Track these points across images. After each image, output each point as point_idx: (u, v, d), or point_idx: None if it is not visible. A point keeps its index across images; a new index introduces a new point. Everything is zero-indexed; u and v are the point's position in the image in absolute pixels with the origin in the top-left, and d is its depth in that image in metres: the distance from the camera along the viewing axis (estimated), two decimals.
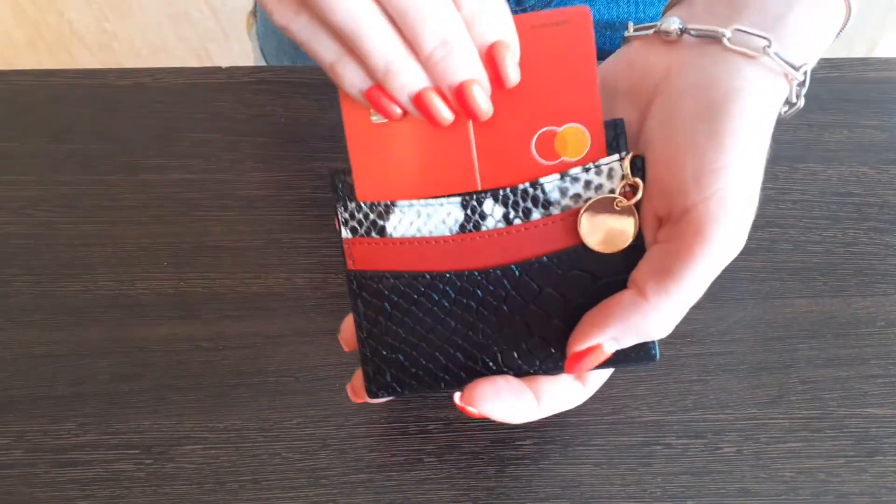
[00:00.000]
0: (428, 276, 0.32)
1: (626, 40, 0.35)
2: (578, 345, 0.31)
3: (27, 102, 0.54)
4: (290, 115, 0.54)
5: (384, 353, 0.33)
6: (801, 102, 0.33)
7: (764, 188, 0.49)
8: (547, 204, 0.31)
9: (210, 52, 1.37)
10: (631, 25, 0.34)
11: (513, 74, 0.30)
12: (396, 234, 0.33)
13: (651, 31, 0.33)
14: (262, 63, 0.74)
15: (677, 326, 0.42)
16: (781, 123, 0.52)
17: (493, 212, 0.32)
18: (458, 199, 0.32)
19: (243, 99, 0.54)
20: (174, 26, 1.34)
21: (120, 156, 0.52)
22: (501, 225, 0.32)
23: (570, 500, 0.40)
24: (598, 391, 0.41)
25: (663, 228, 0.31)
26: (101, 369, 0.44)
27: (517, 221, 0.32)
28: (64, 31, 1.34)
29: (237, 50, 1.36)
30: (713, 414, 0.42)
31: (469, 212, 0.32)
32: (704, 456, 0.41)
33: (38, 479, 0.41)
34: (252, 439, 0.42)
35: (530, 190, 0.31)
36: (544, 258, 0.32)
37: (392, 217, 0.32)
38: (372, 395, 0.33)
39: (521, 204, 0.32)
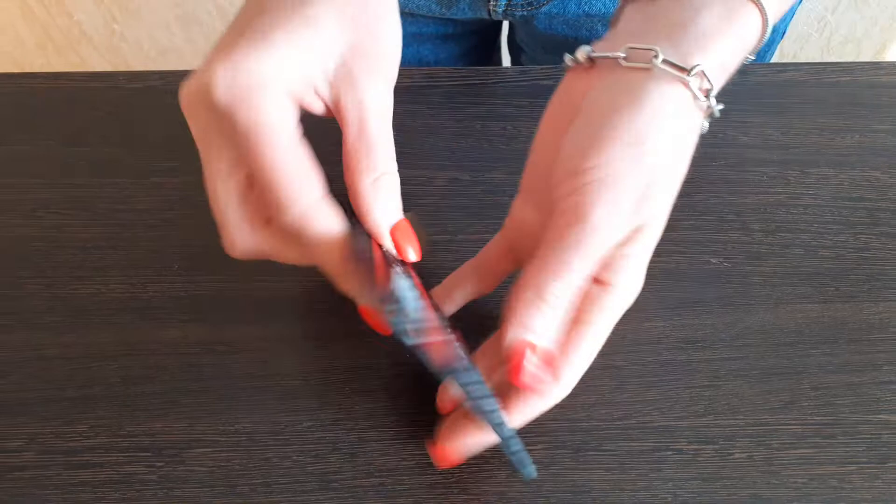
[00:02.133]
0: None
1: (565, 70, 0.39)
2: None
3: (38, 105, 0.55)
4: (300, 117, 0.54)
5: None
6: (713, 103, 0.35)
7: (775, 192, 0.49)
8: None
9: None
10: (567, 56, 0.38)
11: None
12: None
13: (571, 63, 0.38)
14: None
15: (689, 332, 0.42)
16: (791, 129, 0.52)
17: None
18: None
19: None
20: (182, 27, 1.34)
21: (131, 159, 0.52)
22: None
23: None
24: (607, 396, 0.41)
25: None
26: (112, 372, 0.44)
27: None
28: (73, 32, 1.34)
29: None
30: (724, 419, 0.42)
31: None
32: (716, 461, 0.41)
33: (50, 482, 0.41)
34: (263, 442, 0.42)
35: None
36: None
37: None
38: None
39: None
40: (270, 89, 0.32)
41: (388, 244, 0.36)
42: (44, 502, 0.41)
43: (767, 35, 0.36)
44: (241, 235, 0.35)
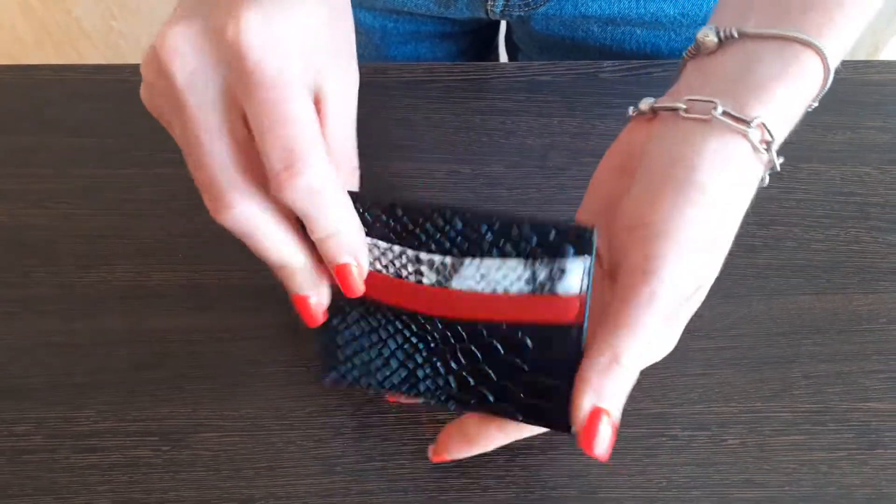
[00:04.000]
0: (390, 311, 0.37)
1: (627, 121, 0.38)
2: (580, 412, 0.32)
3: (44, 97, 0.55)
4: None
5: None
6: (773, 156, 0.34)
7: (768, 187, 0.50)
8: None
9: None
10: (630, 107, 0.38)
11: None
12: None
13: (634, 112, 0.38)
14: None
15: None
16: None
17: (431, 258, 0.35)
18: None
19: None
20: None
21: (135, 150, 0.53)
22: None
23: (577, 490, 0.41)
24: None
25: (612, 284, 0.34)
26: (119, 358, 0.45)
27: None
28: (71, 28, 1.35)
29: None
30: (718, 407, 0.43)
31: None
32: (709, 447, 0.42)
33: (58, 465, 0.42)
34: (267, 427, 0.43)
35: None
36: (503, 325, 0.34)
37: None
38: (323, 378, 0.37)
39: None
40: (297, 49, 0.31)
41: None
42: (52, 484, 0.42)
43: (830, 79, 0.35)
44: (236, 194, 0.31)
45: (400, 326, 0.36)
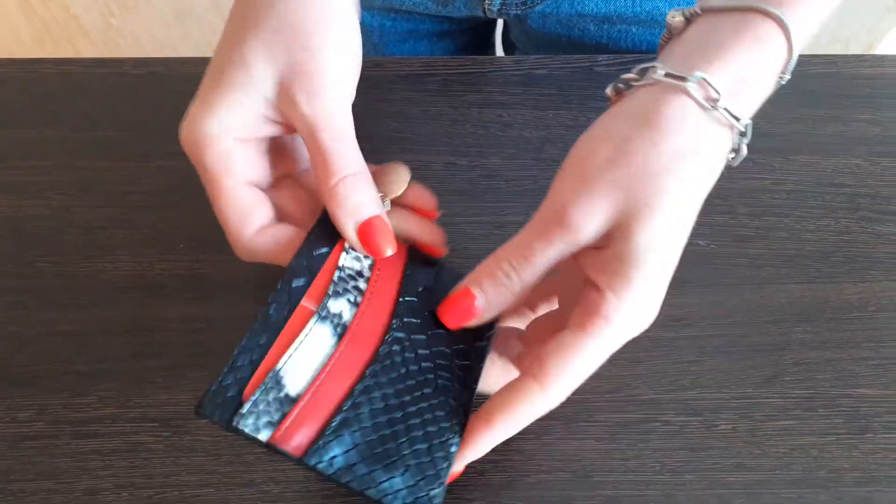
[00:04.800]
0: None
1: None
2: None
3: (46, 90, 0.56)
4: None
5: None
6: (731, 120, 0.34)
7: (760, 178, 0.51)
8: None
9: (214, 47, 1.39)
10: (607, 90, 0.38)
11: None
12: (300, 393, 0.35)
13: (609, 93, 0.38)
14: None
15: (677, 311, 0.44)
16: (776, 118, 0.54)
17: (336, 306, 0.37)
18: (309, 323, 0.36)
19: None
20: (179, 22, 1.36)
21: (136, 143, 0.54)
22: (352, 310, 0.37)
23: (572, 473, 0.42)
24: (600, 370, 0.42)
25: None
26: (120, 347, 0.46)
27: (359, 300, 0.37)
28: (70, 26, 1.35)
29: None
30: (710, 393, 0.44)
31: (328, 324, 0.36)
32: (702, 433, 0.43)
33: (60, 450, 0.43)
34: None
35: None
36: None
37: (285, 380, 0.35)
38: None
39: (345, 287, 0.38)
40: (214, 142, 0.37)
41: (354, 242, 0.38)
42: (54, 469, 0.42)
43: (796, 51, 0.35)
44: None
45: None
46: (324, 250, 0.38)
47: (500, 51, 0.86)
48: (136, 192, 0.52)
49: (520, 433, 0.43)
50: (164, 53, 1.40)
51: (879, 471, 0.42)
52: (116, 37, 1.37)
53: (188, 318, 0.47)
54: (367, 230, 0.37)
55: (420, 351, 0.37)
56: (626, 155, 0.33)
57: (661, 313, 0.45)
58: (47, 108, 0.55)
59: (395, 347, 0.37)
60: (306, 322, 0.36)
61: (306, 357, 0.35)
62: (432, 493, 0.34)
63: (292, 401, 0.34)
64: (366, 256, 0.39)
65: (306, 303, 0.37)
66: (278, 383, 0.34)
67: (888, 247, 0.49)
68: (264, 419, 0.33)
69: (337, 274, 0.38)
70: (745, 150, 0.36)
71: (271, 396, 0.34)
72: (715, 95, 0.33)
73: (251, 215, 0.38)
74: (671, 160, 0.33)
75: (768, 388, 0.44)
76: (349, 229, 0.37)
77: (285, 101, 0.37)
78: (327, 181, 0.37)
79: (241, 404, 0.33)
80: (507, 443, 0.42)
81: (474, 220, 0.50)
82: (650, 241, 0.32)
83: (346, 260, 0.38)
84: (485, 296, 0.36)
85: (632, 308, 0.33)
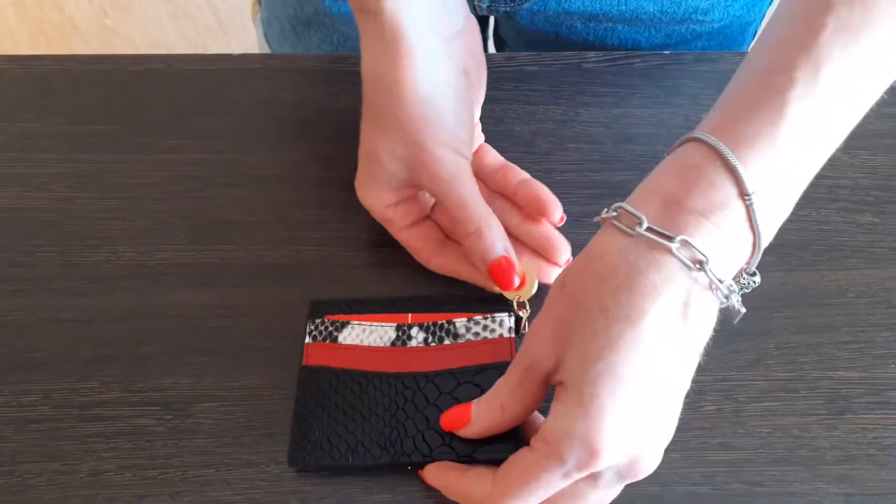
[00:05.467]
0: (358, 373, 0.44)
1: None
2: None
3: (46, 86, 0.57)
4: (298, 101, 0.57)
5: (312, 429, 0.43)
6: (715, 281, 0.35)
7: None
8: (455, 335, 0.46)
9: (208, 47, 1.40)
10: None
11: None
12: (345, 342, 0.46)
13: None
14: (266, 49, 0.77)
15: None
16: None
17: (417, 336, 0.46)
18: (395, 324, 0.46)
19: (253, 85, 0.58)
20: (173, 22, 1.37)
21: (136, 137, 0.55)
22: (421, 345, 0.45)
23: None
24: None
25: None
26: (123, 334, 0.47)
27: (433, 344, 0.45)
28: (65, 26, 1.36)
29: (235, 46, 1.38)
30: (696, 376, 0.45)
31: (400, 333, 0.46)
32: (687, 413, 0.44)
33: (64, 433, 0.44)
34: (267, 398, 0.45)
35: (446, 325, 0.46)
36: (447, 371, 0.44)
37: (345, 330, 0.46)
38: (291, 462, 0.42)
39: (438, 333, 0.46)
40: (376, 207, 0.47)
41: (484, 279, 0.46)
42: (59, 451, 0.43)
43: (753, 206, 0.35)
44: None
45: (365, 399, 0.44)
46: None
47: (491, 47, 0.88)
48: (137, 184, 0.53)
49: None
50: (159, 52, 1.42)
51: (858, 449, 0.43)
52: (111, 37, 1.38)
53: (189, 305, 0.48)
54: (498, 265, 0.44)
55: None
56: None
57: None
58: (48, 102, 0.56)
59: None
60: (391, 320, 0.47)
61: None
62: None
63: None
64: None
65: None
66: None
67: (867, 235, 0.51)
68: None
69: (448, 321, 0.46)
70: (731, 307, 0.37)
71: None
72: (701, 258, 0.34)
73: (420, 248, 0.48)
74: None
75: (752, 371, 0.46)
76: (482, 267, 0.45)
77: (417, 180, 0.45)
78: (466, 230, 0.45)
79: None
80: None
81: None
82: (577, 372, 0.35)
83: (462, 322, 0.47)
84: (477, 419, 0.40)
85: (567, 434, 0.34)
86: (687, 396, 0.44)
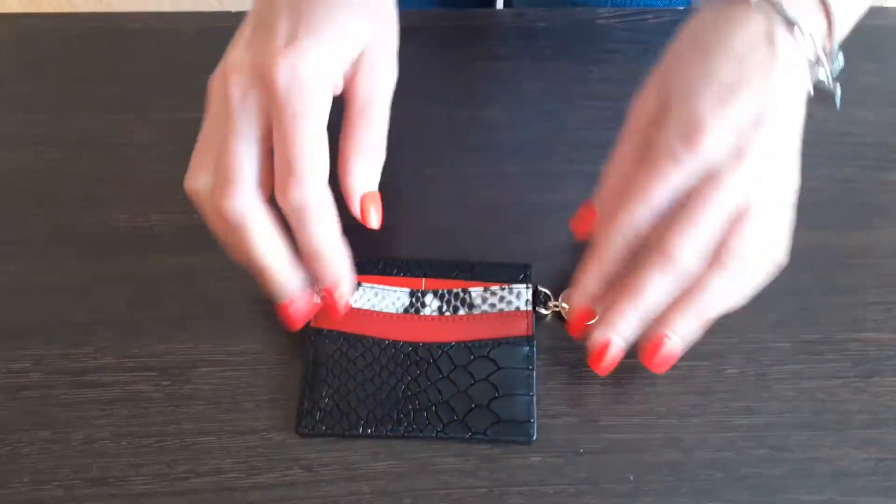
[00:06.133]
0: (371, 340, 0.42)
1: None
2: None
3: (41, 44, 0.55)
4: None
5: (322, 396, 0.41)
6: (806, 37, 0.36)
7: None
8: (471, 306, 0.43)
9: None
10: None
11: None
12: (355, 306, 0.43)
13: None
14: None
15: None
16: None
17: (432, 303, 0.44)
18: (408, 290, 0.44)
19: None
20: (173, 1, 1.34)
21: (132, 97, 0.53)
22: (436, 314, 0.43)
23: (577, 417, 0.41)
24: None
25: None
26: (118, 298, 0.45)
27: (447, 314, 0.43)
28: (62, 6, 1.34)
29: None
30: (718, 339, 0.43)
31: (413, 300, 0.44)
32: (709, 377, 0.43)
33: (58, 400, 0.42)
34: (268, 362, 0.43)
35: (461, 293, 0.44)
36: (462, 344, 0.42)
37: (356, 293, 0.44)
38: (301, 430, 0.41)
39: (453, 302, 0.43)
40: (320, 83, 0.37)
41: (356, 209, 0.40)
42: (52, 419, 0.42)
43: None
44: (243, 186, 0.37)
45: (377, 368, 0.42)
46: None
47: (500, 5, 0.86)
48: (132, 144, 0.51)
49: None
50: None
51: (888, 412, 0.41)
52: (108, 11, 1.36)
53: (188, 268, 0.46)
54: (369, 198, 0.40)
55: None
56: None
57: None
58: (42, 62, 0.54)
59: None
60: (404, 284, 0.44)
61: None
62: None
63: None
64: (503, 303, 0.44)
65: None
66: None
67: (894, 194, 0.48)
68: None
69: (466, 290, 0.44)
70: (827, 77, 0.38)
71: None
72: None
73: (324, 167, 0.38)
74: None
75: (776, 333, 0.44)
76: (357, 193, 0.39)
77: (364, 63, 0.39)
78: (361, 143, 0.39)
79: None
80: None
81: (474, 172, 0.49)
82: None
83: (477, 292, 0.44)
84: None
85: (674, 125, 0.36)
86: (708, 359, 0.43)
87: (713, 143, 0.35)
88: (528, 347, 0.42)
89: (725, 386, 0.42)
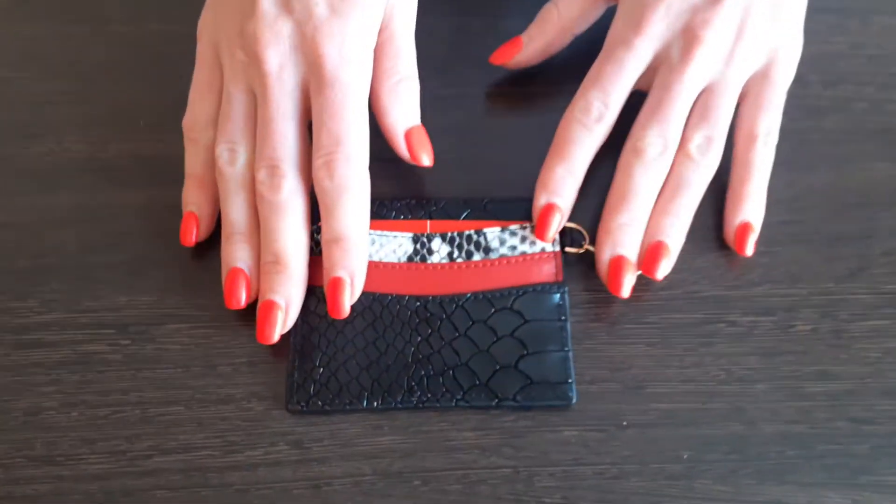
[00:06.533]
0: (372, 296, 0.36)
1: None
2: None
3: None
4: None
5: (316, 366, 0.35)
6: None
7: (833, 42, 0.43)
8: (487, 250, 0.37)
9: None
10: None
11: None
12: None
13: None
14: None
15: None
16: None
17: (440, 249, 0.37)
18: (410, 234, 0.37)
19: None
20: None
21: (89, 4, 0.45)
22: (445, 261, 0.37)
23: (620, 383, 0.35)
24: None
25: None
26: (68, 240, 0.38)
27: (459, 260, 0.37)
28: None
29: None
30: (784, 289, 0.37)
31: (418, 246, 0.37)
32: (775, 335, 0.36)
33: None
34: (248, 319, 0.36)
35: (474, 236, 0.37)
36: (480, 294, 0.36)
37: None
38: (293, 407, 0.34)
39: (465, 246, 0.37)
40: (367, 56, 0.36)
41: (402, 147, 0.37)
42: None
43: None
44: (293, 170, 0.35)
45: (380, 328, 0.35)
46: None
47: None
48: (88, 61, 0.44)
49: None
50: None
51: None
52: None
53: (151, 204, 0.39)
54: (415, 135, 0.37)
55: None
56: None
57: (722, 197, 0.38)
58: None
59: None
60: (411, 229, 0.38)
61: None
62: None
63: None
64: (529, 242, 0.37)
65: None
66: None
67: None
68: None
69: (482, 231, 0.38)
70: None
71: None
72: None
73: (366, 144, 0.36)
74: None
75: (854, 283, 0.37)
76: (399, 128, 0.37)
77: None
78: (392, 76, 0.37)
79: None
80: None
81: (491, 92, 0.42)
82: None
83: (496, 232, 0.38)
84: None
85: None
86: (773, 314, 0.36)
87: (659, 21, 0.36)
88: (558, 294, 0.36)
89: (795, 346, 0.35)
